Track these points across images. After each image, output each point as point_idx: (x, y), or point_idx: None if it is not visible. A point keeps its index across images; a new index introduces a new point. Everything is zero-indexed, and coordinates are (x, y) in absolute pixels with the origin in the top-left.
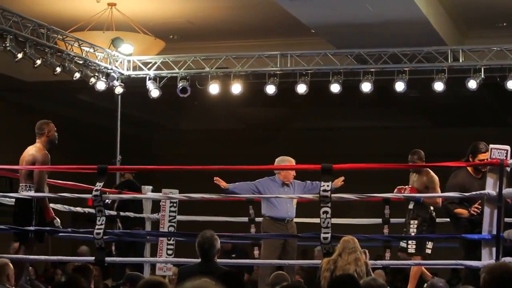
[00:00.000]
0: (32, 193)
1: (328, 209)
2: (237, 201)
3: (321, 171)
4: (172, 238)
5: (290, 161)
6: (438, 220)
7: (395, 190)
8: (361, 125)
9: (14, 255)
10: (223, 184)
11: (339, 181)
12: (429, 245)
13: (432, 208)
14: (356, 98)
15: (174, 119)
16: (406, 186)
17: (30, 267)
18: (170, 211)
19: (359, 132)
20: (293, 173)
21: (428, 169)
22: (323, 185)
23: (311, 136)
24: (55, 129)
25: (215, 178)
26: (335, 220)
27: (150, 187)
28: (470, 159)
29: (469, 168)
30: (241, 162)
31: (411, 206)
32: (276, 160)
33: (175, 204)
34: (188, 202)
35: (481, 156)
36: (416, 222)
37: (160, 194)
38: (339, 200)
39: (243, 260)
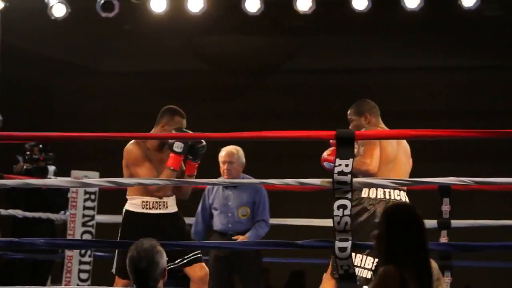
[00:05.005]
0: None
1: (348, 203)
2: (202, 189)
3: (337, 141)
4: (88, 252)
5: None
6: None
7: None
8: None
9: None
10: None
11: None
12: None
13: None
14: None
15: (91, 55)
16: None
17: None
18: (86, 208)
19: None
20: (231, 165)
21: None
22: (340, 164)
23: (315, 83)
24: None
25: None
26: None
27: (53, 168)
28: None
29: None
30: (203, 124)
31: None
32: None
33: (93, 196)
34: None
35: None
36: None
37: (69, 179)
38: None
39: None
